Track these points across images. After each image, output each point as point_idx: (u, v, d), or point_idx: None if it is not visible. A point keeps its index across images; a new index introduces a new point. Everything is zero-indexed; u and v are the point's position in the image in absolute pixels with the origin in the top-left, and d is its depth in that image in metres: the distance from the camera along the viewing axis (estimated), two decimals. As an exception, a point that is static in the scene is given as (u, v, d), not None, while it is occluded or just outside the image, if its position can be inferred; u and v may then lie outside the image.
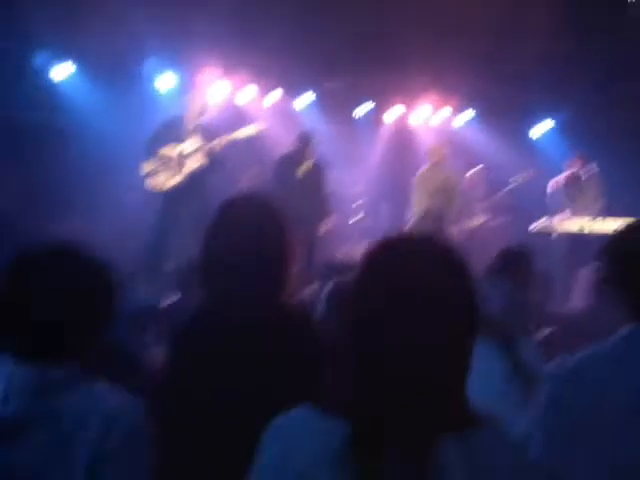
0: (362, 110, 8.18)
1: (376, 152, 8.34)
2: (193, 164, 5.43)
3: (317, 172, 6.28)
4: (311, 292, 5.15)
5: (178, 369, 1.65)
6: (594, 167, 6.54)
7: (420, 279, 0.99)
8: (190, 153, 5.43)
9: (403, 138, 8.35)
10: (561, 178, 6.70)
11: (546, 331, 3.63)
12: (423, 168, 6.78)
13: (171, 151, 5.42)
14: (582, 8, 6.38)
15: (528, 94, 7.58)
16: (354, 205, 7.81)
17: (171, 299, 4.46)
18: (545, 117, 8.36)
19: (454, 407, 0.99)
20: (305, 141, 6.21)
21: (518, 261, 2.97)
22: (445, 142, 6.93)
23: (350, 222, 7.75)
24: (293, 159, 6.22)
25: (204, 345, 1.60)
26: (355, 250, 7.55)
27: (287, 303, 1.66)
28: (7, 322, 1.25)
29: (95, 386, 1.25)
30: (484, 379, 2.24)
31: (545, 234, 6.54)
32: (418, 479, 0.94)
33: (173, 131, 5.49)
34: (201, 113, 5.55)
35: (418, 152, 8.24)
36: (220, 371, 1.54)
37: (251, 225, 1.65)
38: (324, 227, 6.26)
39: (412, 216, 6.59)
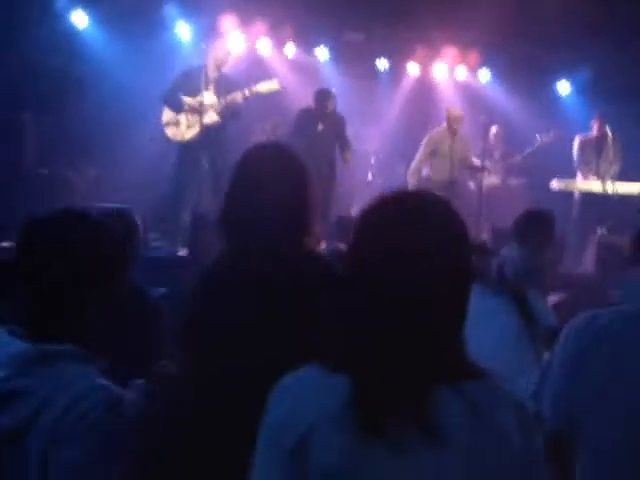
0: (381, 64, 8.03)
1: (394, 108, 8.22)
2: (213, 115, 5.41)
3: (337, 126, 6.24)
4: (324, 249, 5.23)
5: (201, 321, 1.64)
6: (612, 129, 6.40)
7: (416, 241, 1.00)
8: (210, 104, 5.40)
9: (423, 94, 8.20)
10: (582, 137, 6.59)
11: (559, 295, 3.65)
12: (437, 130, 6.64)
13: (191, 101, 5.40)
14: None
15: (548, 53, 7.37)
16: (371, 162, 7.77)
17: (185, 251, 4.55)
18: (565, 77, 8.14)
19: (451, 358, 1.01)
20: (323, 97, 6.16)
21: (537, 225, 2.99)
22: (461, 111, 6.72)
23: (368, 179, 7.73)
24: (312, 113, 6.19)
25: (230, 297, 1.59)
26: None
27: (312, 252, 1.67)
28: (12, 287, 1.22)
29: (73, 366, 1.16)
30: (498, 331, 2.31)
31: (566, 192, 6.48)
32: (418, 429, 0.95)
33: (193, 80, 5.46)
34: (223, 63, 5.51)
35: (438, 109, 8.11)
36: (244, 327, 1.53)
37: (274, 173, 1.64)
38: (340, 184, 6.26)
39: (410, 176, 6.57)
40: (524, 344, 2.31)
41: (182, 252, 4.73)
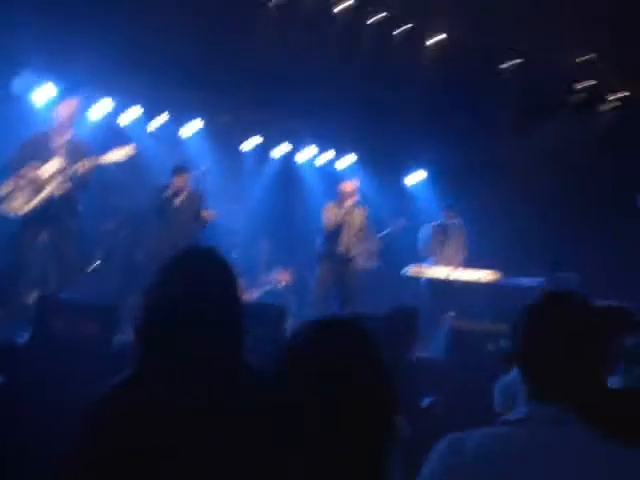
0: (249, 145, 8.22)
1: (260, 188, 8.38)
2: (58, 185, 5.11)
3: (196, 202, 6.18)
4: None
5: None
6: (460, 219, 6.99)
7: None
8: (55, 173, 5.10)
9: (288, 176, 8.48)
10: (429, 226, 7.10)
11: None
12: (332, 202, 6.64)
13: (31, 172, 5.07)
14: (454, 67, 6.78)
15: (406, 143, 8.02)
16: (235, 240, 7.76)
17: (26, 336, 4.14)
18: (419, 167, 8.88)
19: None
20: (180, 172, 6.11)
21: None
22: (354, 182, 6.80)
23: (232, 256, 7.68)
24: (170, 189, 6.09)
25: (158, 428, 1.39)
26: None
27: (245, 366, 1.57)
28: None
29: None
30: None
31: (415, 278, 6.88)
32: None
33: (40, 148, 5.14)
34: (68, 128, 5.26)
35: (302, 190, 8.41)
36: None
37: (210, 281, 1.56)
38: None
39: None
40: None
41: (23, 337, 4.28)
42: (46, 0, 5.52)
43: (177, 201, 6.08)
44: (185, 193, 6.12)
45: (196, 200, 6.20)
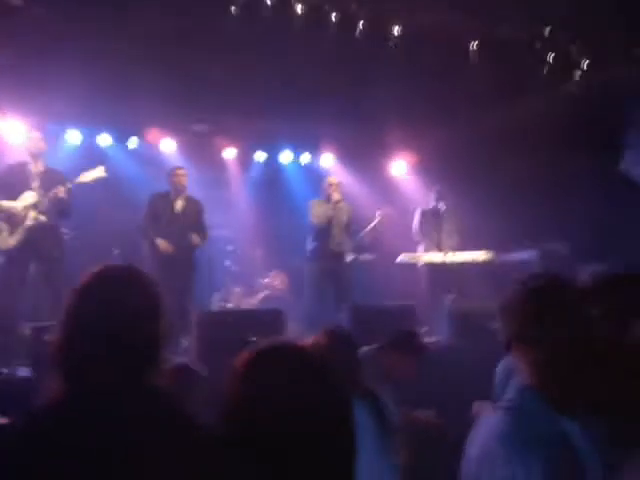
0: (228, 154, 8.20)
1: (244, 195, 8.36)
2: (38, 215, 5.07)
3: (193, 206, 6.10)
4: (188, 343, 4.99)
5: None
6: (449, 203, 6.99)
7: None
8: (33, 203, 5.07)
9: (271, 179, 8.47)
10: (422, 210, 7.10)
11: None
12: (317, 199, 6.61)
13: (9, 205, 5.03)
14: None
15: (383, 134, 8.01)
16: (229, 248, 7.74)
17: (26, 370, 4.10)
18: (403, 155, 8.88)
19: None
20: (173, 175, 6.04)
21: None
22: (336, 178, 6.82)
23: (225, 264, 7.66)
24: (165, 195, 6.03)
25: (68, 447, 1.38)
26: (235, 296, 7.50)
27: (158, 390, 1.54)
28: None
29: None
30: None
31: (410, 265, 6.87)
32: None
33: (15, 179, 5.12)
34: (39, 155, 5.24)
35: (286, 192, 8.40)
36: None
37: (120, 304, 1.52)
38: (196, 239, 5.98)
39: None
40: (381, 444, 2.36)
41: (23, 372, 4.25)
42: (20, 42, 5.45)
43: (176, 206, 5.99)
44: (185, 196, 6.04)
45: (195, 206, 6.10)
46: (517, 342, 1.39)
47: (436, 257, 6.81)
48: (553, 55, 6.76)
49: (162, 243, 5.70)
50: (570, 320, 1.34)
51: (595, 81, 6.83)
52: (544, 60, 6.86)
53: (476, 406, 3.06)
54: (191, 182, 6.23)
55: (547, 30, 6.57)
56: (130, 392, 1.47)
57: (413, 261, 6.87)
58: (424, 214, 7.05)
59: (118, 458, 1.38)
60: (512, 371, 1.47)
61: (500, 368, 2.80)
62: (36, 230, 5.04)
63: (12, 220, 5.02)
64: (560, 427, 1.29)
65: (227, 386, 1.13)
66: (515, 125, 7.23)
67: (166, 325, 1.56)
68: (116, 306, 1.52)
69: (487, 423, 1.37)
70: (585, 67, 6.86)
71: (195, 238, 5.92)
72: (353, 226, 6.80)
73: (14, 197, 5.08)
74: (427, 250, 6.92)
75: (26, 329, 4.47)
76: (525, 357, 1.38)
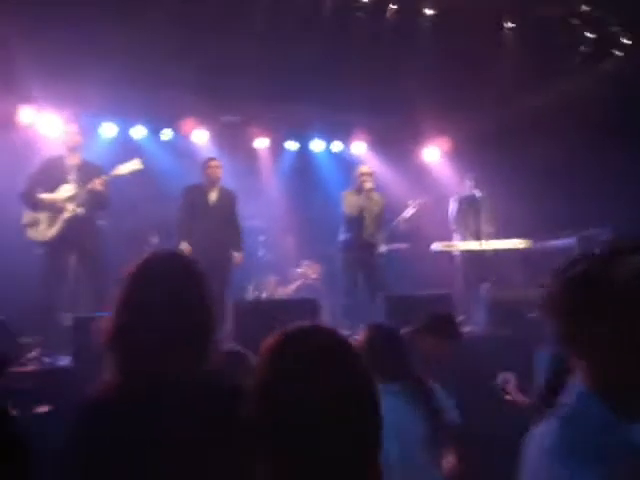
0: (259, 144, 8.20)
1: (276, 185, 8.35)
2: (75, 208, 5.14)
3: (227, 197, 6.09)
4: (224, 333, 5.03)
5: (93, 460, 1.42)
6: (485, 190, 6.85)
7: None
8: (70, 196, 5.15)
9: (303, 169, 8.44)
10: (457, 198, 6.98)
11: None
12: (349, 190, 6.50)
13: (49, 197, 5.11)
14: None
15: (414, 123, 7.90)
16: (261, 238, 7.75)
17: (67, 360, 4.18)
18: (436, 141, 8.76)
19: None
20: (207, 164, 6.04)
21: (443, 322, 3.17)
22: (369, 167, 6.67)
23: (258, 254, 7.68)
24: (199, 187, 6.03)
25: (130, 430, 1.40)
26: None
27: (213, 374, 1.54)
28: None
29: None
30: (404, 429, 2.30)
31: (445, 253, 6.78)
32: None
33: (53, 172, 5.19)
34: (75, 148, 5.29)
35: (319, 182, 8.37)
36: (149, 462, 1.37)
37: (173, 291, 1.53)
38: (238, 258, 6.01)
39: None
40: (432, 441, 2.34)
41: (64, 361, 4.33)
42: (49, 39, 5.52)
43: (212, 198, 5.99)
44: (219, 188, 6.03)
45: (229, 198, 6.09)
46: (571, 339, 1.19)
47: (472, 245, 6.70)
48: (590, 33, 6.57)
49: (186, 248, 5.72)
50: (630, 309, 1.13)
51: (635, 60, 6.61)
52: (581, 38, 6.67)
53: (501, 376, 3.03)
54: (224, 172, 6.24)
55: (583, 7, 6.36)
56: (187, 381, 1.45)
57: (448, 249, 6.78)
58: (460, 202, 6.93)
59: (176, 447, 1.38)
60: (564, 369, 1.29)
61: (541, 359, 2.73)
62: (74, 222, 5.12)
63: (51, 212, 5.11)
64: (626, 437, 1.09)
65: (255, 369, 1.09)
66: (551, 108, 7.05)
67: (216, 311, 1.56)
68: (169, 293, 1.52)
69: (539, 434, 1.20)
70: (624, 45, 6.64)
71: (237, 257, 5.96)
72: (386, 215, 6.73)
73: (52, 190, 5.16)
74: (463, 238, 6.81)
75: (66, 319, 4.55)
76: (583, 356, 1.18)
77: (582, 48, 6.70)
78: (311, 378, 1.03)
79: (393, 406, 2.34)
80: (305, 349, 1.07)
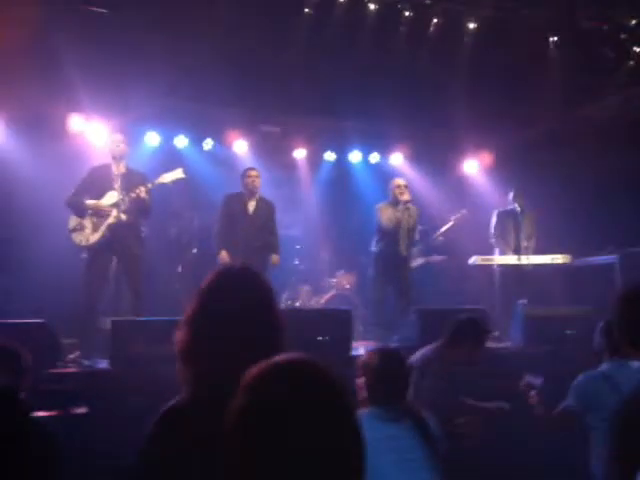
0: (298, 154, 8.27)
1: (313, 195, 8.41)
2: (119, 214, 5.27)
3: (266, 207, 6.17)
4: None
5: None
6: (527, 205, 6.74)
7: None
8: (115, 203, 5.29)
9: (340, 182, 8.48)
10: (499, 211, 6.89)
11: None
12: (384, 202, 6.46)
13: (94, 204, 5.27)
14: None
15: (457, 133, 7.85)
16: (297, 247, 7.81)
17: (105, 362, 4.28)
18: (477, 155, 8.67)
19: None
20: (246, 176, 6.12)
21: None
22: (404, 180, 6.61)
23: (294, 263, 7.74)
24: (239, 196, 6.13)
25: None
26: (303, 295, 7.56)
27: None
28: None
29: None
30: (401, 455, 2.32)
31: (483, 267, 6.69)
32: None
33: (99, 180, 5.33)
34: (121, 156, 5.42)
35: (356, 193, 8.38)
36: None
37: (250, 300, 1.59)
38: (275, 259, 6.06)
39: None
40: (430, 464, 2.34)
41: (102, 364, 4.44)
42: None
43: (250, 207, 6.07)
44: (257, 197, 6.11)
45: (268, 208, 6.16)
46: None
47: (510, 259, 6.60)
48: (638, 48, 6.43)
49: (224, 256, 5.80)
50: None
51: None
52: (629, 53, 6.54)
53: (526, 379, 2.99)
54: (262, 182, 6.32)
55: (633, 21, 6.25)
56: None
57: (486, 263, 6.69)
58: (500, 216, 6.84)
59: None
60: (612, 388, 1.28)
61: (583, 382, 2.67)
62: (117, 228, 5.25)
63: (96, 218, 5.26)
64: None
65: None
66: (595, 124, 6.92)
67: (283, 320, 1.60)
68: (247, 305, 1.57)
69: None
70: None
71: (275, 257, 6.04)
72: (424, 226, 6.68)
73: (98, 197, 5.31)
74: (503, 253, 6.71)
75: (106, 323, 4.66)
76: None
77: (631, 63, 6.56)
78: (284, 407, 1.02)
79: (394, 433, 2.35)
80: (278, 382, 1.06)
